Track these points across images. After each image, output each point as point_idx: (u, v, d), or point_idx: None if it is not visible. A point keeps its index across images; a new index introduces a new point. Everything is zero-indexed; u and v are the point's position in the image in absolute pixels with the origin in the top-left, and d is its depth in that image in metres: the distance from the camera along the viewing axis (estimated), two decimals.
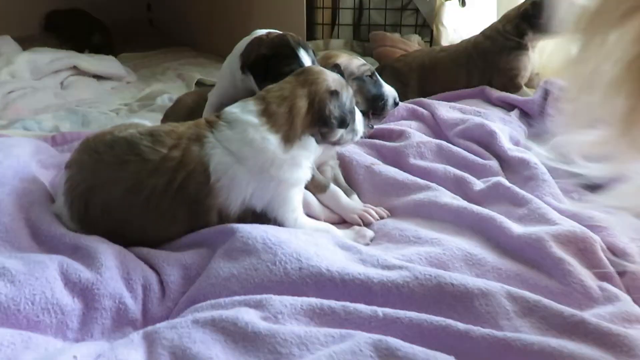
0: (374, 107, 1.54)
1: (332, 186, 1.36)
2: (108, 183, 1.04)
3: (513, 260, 1.05)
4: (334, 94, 1.14)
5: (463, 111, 1.75)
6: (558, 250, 1.01)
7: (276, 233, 1.02)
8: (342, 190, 1.40)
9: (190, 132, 1.07)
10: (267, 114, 1.09)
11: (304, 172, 1.14)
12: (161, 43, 4.13)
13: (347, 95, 1.19)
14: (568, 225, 1.08)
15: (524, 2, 1.90)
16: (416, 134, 1.59)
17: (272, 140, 1.08)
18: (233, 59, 1.50)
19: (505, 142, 1.51)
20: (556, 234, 1.05)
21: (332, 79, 1.17)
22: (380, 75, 1.85)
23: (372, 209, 1.33)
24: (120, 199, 1.03)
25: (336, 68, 1.40)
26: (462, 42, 2.09)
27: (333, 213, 1.34)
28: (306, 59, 1.38)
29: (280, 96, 1.11)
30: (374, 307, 0.84)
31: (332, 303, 0.84)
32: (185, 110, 1.64)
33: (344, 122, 1.15)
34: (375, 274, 0.93)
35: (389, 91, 1.56)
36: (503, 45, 1.90)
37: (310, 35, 3.11)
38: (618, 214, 1.17)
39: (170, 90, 2.96)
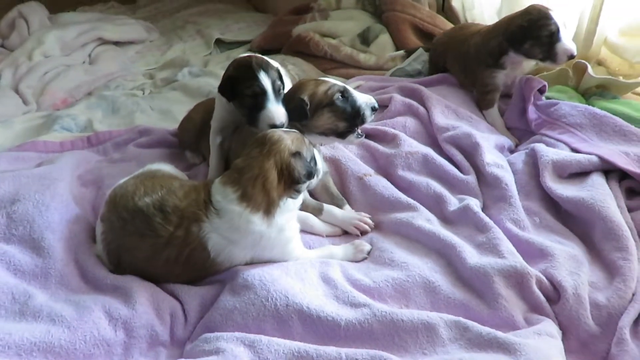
0: (354, 124, 1.56)
1: (326, 206, 1.58)
2: (132, 249, 1.30)
3: (463, 289, 1.30)
4: (297, 155, 1.29)
5: (457, 114, 1.89)
6: (499, 286, 1.25)
7: (270, 270, 1.29)
8: (334, 199, 1.62)
9: (190, 212, 1.27)
10: (246, 197, 1.25)
11: (292, 231, 1.34)
12: None
13: (307, 148, 1.34)
14: (512, 260, 1.30)
15: (512, 21, 1.85)
16: (407, 141, 1.76)
17: (256, 220, 1.26)
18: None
19: (486, 156, 1.66)
20: (500, 268, 1.28)
21: (291, 140, 1.31)
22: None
23: (365, 216, 1.56)
24: (143, 262, 1.29)
25: (302, 102, 1.52)
26: (472, 33, 2.06)
27: (333, 227, 1.57)
28: (266, 81, 1.49)
29: (252, 176, 1.26)
30: (339, 349, 1.11)
31: (307, 347, 1.12)
32: (195, 130, 1.86)
33: (311, 174, 1.31)
34: (344, 312, 1.20)
35: (365, 102, 1.55)
36: (482, 59, 1.93)
37: None
38: (567, 244, 1.38)
39: (190, 53, 3.13)
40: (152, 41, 3.35)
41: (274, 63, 1.60)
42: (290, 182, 1.29)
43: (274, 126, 1.46)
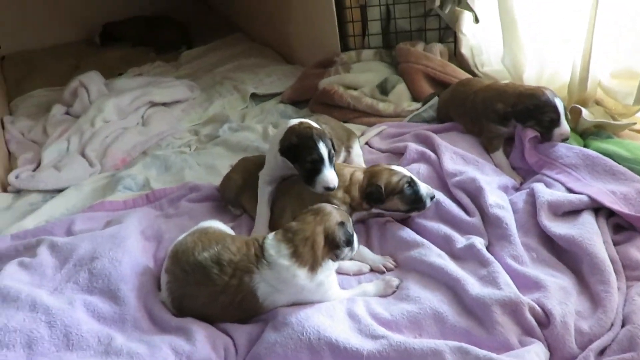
0: (416, 208, 1.87)
1: (361, 247, 1.83)
2: (193, 297, 1.58)
3: (467, 317, 1.52)
4: (341, 224, 1.56)
5: (465, 159, 2.14)
6: (496, 314, 1.47)
7: (305, 309, 1.54)
8: None
9: (243, 265, 1.52)
10: (296, 255, 1.50)
11: (329, 284, 1.58)
12: (217, 27, 5.13)
13: (349, 223, 1.60)
14: (508, 291, 1.52)
15: (520, 98, 2.09)
16: None
17: (301, 274, 1.50)
18: (274, 144, 1.95)
19: (489, 198, 1.88)
20: (497, 299, 1.50)
21: (339, 214, 1.58)
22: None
23: (388, 260, 1.81)
24: (202, 308, 1.57)
25: (376, 188, 1.83)
26: (476, 90, 2.34)
27: (359, 267, 1.80)
28: (324, 150, 1.80)
29: (303, 238, 1.51)
30: None
31: None
32: (236, 188, 2.15)
33: (350, 242, 1.56)
34: (366, 344, 1.44)
35: (426, 192, 1.86)
36: (489, 115, 2.19)
37: (345, 47, 3.43)
38: (559, 277, 1.58)
39: (228, 107, 3.49)
40: (194, 98, 3.72)
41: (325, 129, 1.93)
42: (332, 246, 1.54)
43: (328, 189, 1.77)
